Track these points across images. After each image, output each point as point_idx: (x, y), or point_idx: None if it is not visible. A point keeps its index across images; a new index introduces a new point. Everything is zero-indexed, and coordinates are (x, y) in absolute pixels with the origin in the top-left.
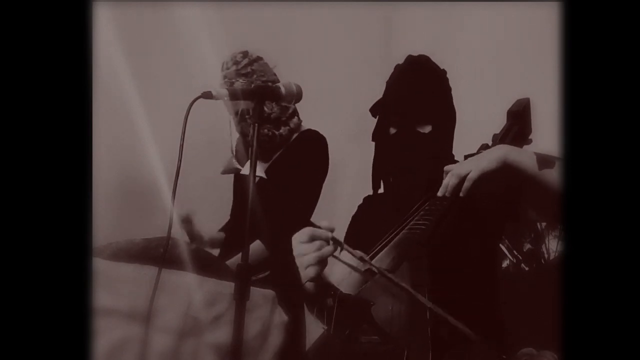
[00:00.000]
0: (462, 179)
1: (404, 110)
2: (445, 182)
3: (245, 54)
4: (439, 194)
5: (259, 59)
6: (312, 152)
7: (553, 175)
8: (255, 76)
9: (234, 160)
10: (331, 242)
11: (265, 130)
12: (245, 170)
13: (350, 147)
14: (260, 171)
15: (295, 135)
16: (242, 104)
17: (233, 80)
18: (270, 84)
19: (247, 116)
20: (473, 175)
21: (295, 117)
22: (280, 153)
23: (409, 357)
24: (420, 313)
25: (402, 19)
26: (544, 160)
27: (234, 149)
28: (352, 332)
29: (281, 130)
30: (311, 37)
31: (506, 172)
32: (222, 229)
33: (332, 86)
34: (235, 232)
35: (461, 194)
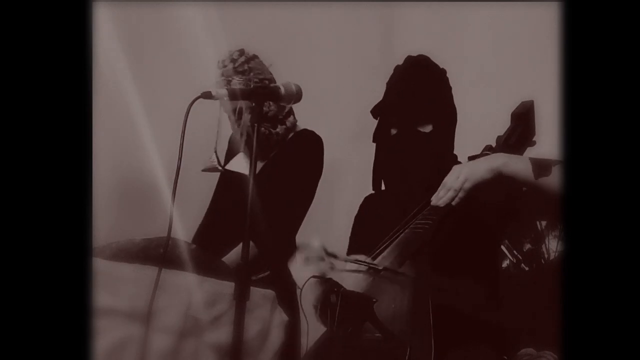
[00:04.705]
0: (457, 192)
1: (404, 110)
2: (441, 194)
3: (241, 52)
4: (433, 202)
5: (255, 57)
6: (309, 152)
7: (550, 182)
8: (252, 74)
9: (214, 157)
10: (326, 258)
11: (263, 129)
12: (233, 167)
13: (350, 147)
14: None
15: (291, 135)
16: (240, 103)
17: (230, 78)
18: (266, 82)
19: (243, 115)
20: (467, 186)
21: (291, 117)
22: (276, 152)
23: (411, 354)
24: (422, 311)
25: (402, 19)
26: (540, 168)
27: (217, 147)
28: (355, 330)
29: (278, 129)
30: (311, 37)
31: (502, 181)
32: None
33: (332, 86)
34: (211, 230)
35: (453, 204)
